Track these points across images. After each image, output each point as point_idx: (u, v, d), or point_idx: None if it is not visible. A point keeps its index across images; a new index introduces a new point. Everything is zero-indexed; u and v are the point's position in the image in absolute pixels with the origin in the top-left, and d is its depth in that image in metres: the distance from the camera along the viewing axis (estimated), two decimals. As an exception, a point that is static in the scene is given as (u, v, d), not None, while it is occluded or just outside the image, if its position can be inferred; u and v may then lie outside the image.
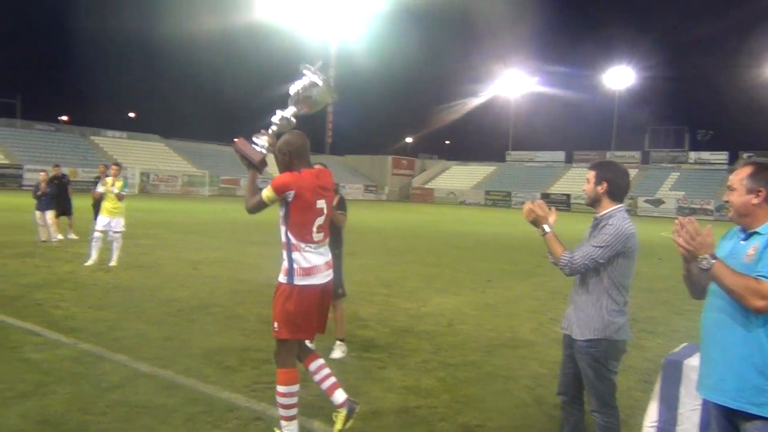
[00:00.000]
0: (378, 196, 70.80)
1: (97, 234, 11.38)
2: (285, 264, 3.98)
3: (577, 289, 3.62)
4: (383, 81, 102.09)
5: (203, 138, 67.40)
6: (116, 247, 11.38)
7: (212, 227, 20.91)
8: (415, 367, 5.86)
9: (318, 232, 4.00)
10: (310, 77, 4.08)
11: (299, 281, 3.92)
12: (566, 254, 3.45)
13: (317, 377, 4.15)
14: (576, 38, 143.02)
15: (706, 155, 61.43)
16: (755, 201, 2.66)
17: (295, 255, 3.93)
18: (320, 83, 4.09)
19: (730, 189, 2.74)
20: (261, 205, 3.95)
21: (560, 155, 70.73)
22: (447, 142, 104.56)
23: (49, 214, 14.42)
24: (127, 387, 4.90)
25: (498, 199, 64.73)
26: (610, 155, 61.49)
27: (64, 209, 15.14)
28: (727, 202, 2.76)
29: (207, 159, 59.04)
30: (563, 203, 56.71)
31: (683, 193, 56.19)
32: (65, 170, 17.43)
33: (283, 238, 3.98)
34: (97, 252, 11.27)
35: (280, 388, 3.96)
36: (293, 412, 3.99)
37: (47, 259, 11.60)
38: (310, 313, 3.99)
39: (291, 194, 3.86)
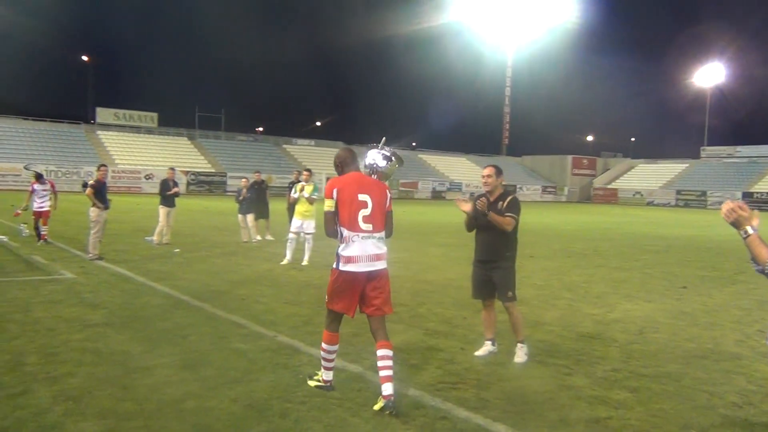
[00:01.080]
0: (557, 197, 68.68)
1: (291, 235, 12.28)
2: (336, 254, 4.79)
3: None
4: (561, 79, 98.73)
5: (384, 143, 69.92)
6: (308, 247, 12.19)
7: (395, 229, 21.49)
8: (604, 375, 5.59)
9: (365, 222, 4.72)
10: (384, 154, 5.13)
11: (342, 267, 4.73)
12: None
13: (378, 363, 4.72)
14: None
15: None
16: None
17: (342, 246, 4.74)
18: (392, 158, 5.13)
19: None
20: (327, 217, 4.74)
21: (766, 149, 63.72)
22: (632, 138, 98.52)
23: (250, 217, 15.79)
24: (323, 379, 5.21)
25: (691, 199, 59.95)
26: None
27: (262, 213, 16.47)
28: None
29: (387, 163, 61.11)
30: (770, 203, 51.05)
31: None
32: (263, 176, 18.96)
33: (338, 233, 4.75)
34: (291, 252, 12.17)
35: (323, 345, 4.92)
36: (332, 364, 4.95)
37: (248, 258, 12.73)
38: (349, 294, 4.77)
39: (336, 191, 4.72)
